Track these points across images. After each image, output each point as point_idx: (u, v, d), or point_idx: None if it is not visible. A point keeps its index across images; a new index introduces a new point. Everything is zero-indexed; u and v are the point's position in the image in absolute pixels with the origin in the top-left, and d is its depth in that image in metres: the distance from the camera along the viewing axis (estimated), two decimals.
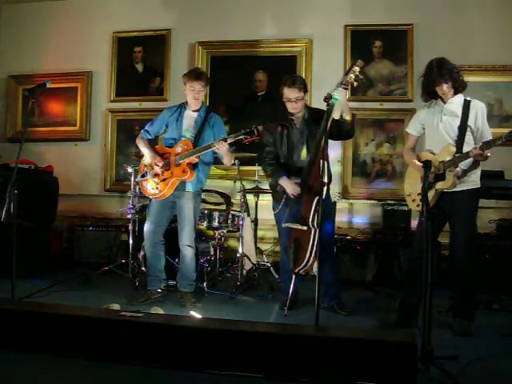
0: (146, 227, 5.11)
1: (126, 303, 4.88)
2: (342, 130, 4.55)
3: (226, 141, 4.75)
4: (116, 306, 4.38)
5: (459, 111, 4.23)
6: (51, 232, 6.89)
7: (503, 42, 6.64)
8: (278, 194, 4.85)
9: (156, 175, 5.01)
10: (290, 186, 4.70)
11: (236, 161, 5.53)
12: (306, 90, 4.89)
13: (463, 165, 4.19)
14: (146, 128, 5.21)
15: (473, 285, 4.29)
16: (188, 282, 5.11)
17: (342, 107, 4.42)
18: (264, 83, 7.26)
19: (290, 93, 4.79)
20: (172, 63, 7.46)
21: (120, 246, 6.66)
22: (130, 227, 5.96)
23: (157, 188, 5.00)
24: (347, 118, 4.51)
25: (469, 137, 4.21)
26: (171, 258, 5.36)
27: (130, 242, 5.92)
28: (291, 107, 4.83)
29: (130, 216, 5.96)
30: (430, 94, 4.37)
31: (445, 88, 4.22)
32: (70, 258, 6.84)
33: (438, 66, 4.20)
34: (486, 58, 6.61)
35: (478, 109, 4.24)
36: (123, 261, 5.93)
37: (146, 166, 5.13)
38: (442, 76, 4.18)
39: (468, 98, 4.27)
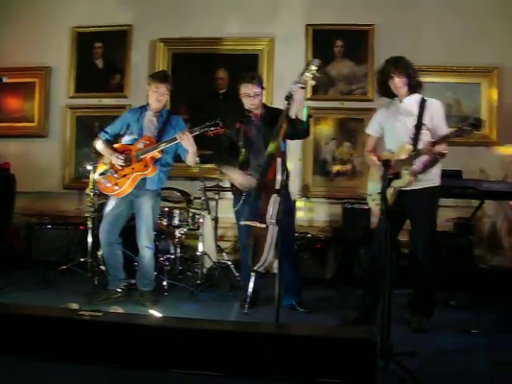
0: (102, 226, 5.05)
1: (85, 302, 4.81)
2: (296, 130, 4.57)
3: (190, 133, 4.74)
4: (75, 306, 4.31)
5: (415, 110, 4.29)
6: (8, 230, 6.75)
7: (462, 43, 6.74)
8: (237, 191, 4.85)
9: (116, 171, 4.94)
10: (237, 176, 4.76)
11: (197, 158, 5.50)
12: (262, 87, 4.94)
13: (420, 163, 4.24)
14: (106, 129, 5.15)
15: (432, 283, 4.36)
16: (147, 281, 5.07)
17: (298, 107, 4.43)
18: (225, 81, 7.24)
19: (248, 88, 4.82)
20: (133, 60, 7.37)
21: (79, 244, 6.56)
22: (89, 225, 5.87)
23: (116, 184, 4.92)
24: (302, 118, 4.54)
25: (425, 135, 4.26)
26: (133, 256, 5.30)
27: (89, 240, 5.83)
28: (249, 102, 4.85)
29: (88, 214, 5.87)
30: (386, 90, 4.41)
31: (396, 81, 4.27)
32: (27, 257, 6.70)
33: (394, 61, 4.28)
34: (445, 59, 6.71)
35: (433, 107, 4.30)
36: (82, 259, 5.84)
37: (105, 164, 5.06)
38: (396, 69, 4.24)
39: (424, 97, 4.33)
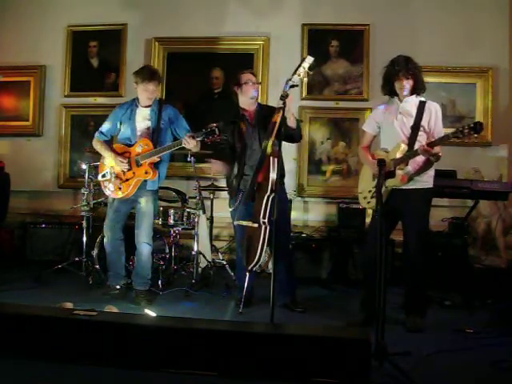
0: (106, 224, 5.09)
1: (80, 301, 4.78)
2: (288, 134, 4.58)
3: (193, 138, 4.70)
4: (69, 305, 4.30)
5: (414, 111, 4.30)
6: (2, 229, 6.73)
7: (457, 43, 6.77)
8: (233, 190, 4.86)
9: (117, 177, 4.95)
10: (216, 164, 4.98)
11: (192, 158, 5.51)
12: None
13: (415, 164, 4.25)
14: (101, 130, 5.14)
15: (423, 282, 4.36)
16: (143, 280, 5.06)
17: (287, 115, 4.43)
18: (221, 80, 7.23)
19: (249, 76, 4.89)
20: (128, 59, 7.35)
21: (73, 243, 6.55)
22: (84, 224, 5.85)
23: (119, 189, 4.96)
24: (290, 125, 4.54)
25: (422, 136, 4.27)
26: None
27: (84, 239, 5.82)
28: (252, 89, 4.88)
29: (83, 213, 5.86)
30: (389, 88, 4.40)
31: (404, 83, 4.26)
32: (21, 256, 6.69)
33: (405, 61, 4.26)
34: (440, 59, 6.72)
35: (432, 110, 4.31)
36: (76, 259, 5.83)
37: (105, 165, 5.07)
38: (407, 70, 4.23)
39: (423, 99, 4.34)
